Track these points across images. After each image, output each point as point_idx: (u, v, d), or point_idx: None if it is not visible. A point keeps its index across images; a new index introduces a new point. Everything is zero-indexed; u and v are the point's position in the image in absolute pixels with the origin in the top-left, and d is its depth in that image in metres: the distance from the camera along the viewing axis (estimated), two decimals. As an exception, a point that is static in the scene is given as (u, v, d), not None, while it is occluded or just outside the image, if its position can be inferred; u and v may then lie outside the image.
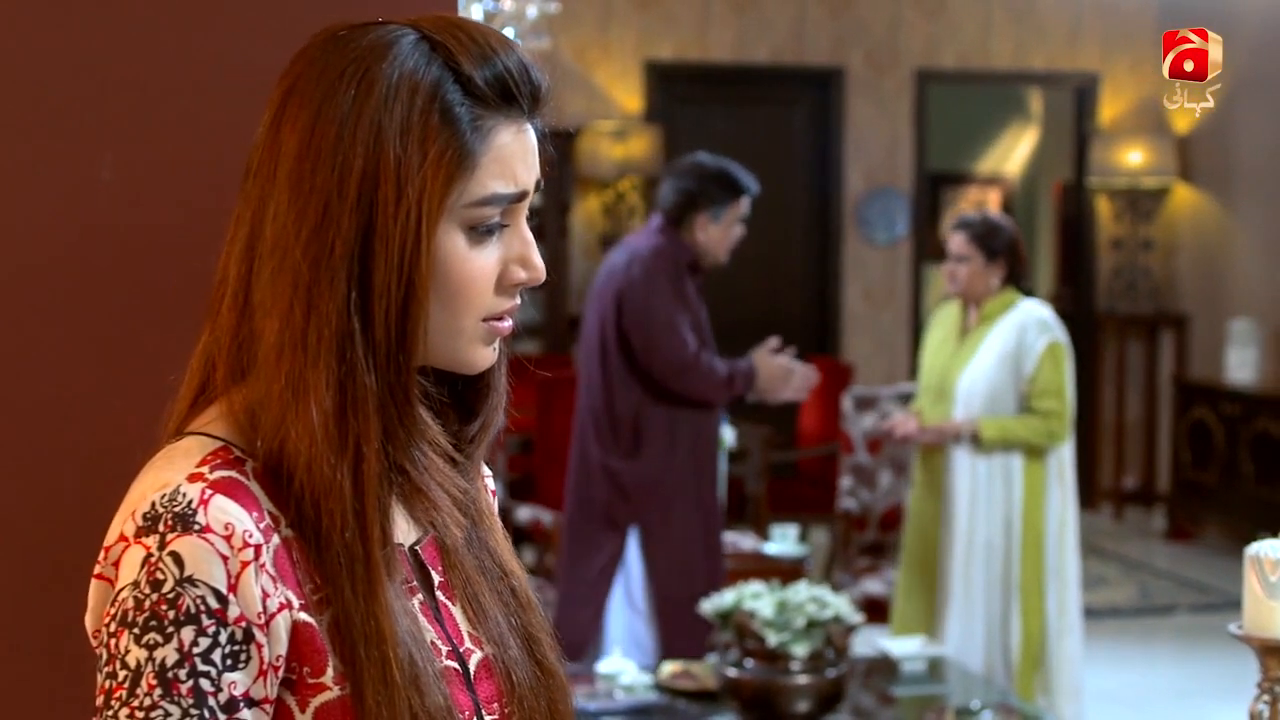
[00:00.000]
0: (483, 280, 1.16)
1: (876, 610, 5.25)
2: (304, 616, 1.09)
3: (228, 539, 1.06)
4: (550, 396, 5.81)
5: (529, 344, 8.07)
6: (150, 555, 1.06)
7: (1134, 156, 9.00)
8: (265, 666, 1.07)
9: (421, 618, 1.17)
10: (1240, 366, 8.30)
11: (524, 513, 5.85)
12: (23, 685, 1.68)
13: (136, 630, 1.05)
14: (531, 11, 5.12)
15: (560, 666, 1.28)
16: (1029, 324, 4.66)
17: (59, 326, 1.69)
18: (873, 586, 5.60)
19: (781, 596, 3.63)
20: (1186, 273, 9.19)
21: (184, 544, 1.06)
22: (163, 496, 1.07)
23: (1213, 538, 8.51)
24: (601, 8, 8.51)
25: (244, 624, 1.06)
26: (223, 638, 1.05)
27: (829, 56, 8.83)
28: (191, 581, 1.05)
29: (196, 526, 1.06)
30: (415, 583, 1.19)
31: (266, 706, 1.08)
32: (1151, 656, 6.53)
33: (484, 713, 1.19)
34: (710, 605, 3.72)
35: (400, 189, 1.11)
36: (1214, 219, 8.97)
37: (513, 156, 1.16)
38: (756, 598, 3.65)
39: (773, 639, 3.55)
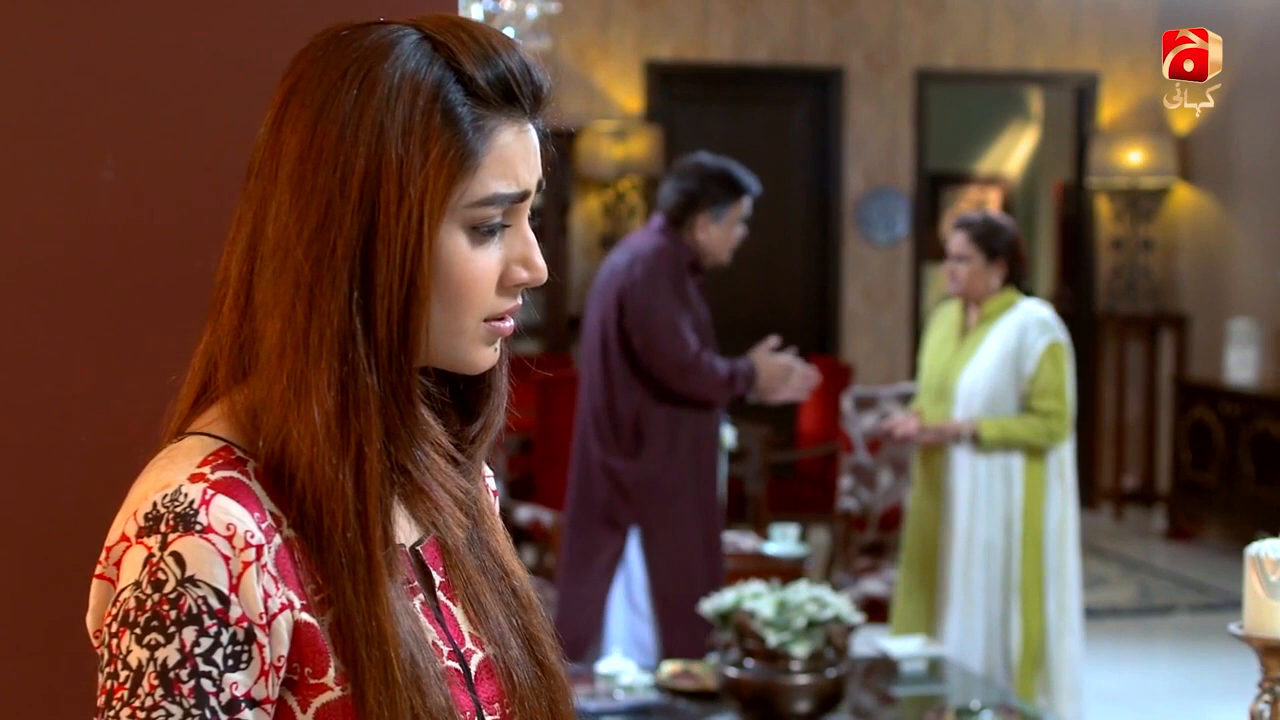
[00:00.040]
0: (484, 280, 1.16)
1: (876, 610, 5.25)
2: (305, 617, 1.09)
3: (229, 539, 1.06)
4: (550, 396, 5.81)
5: (529, 344, 8.07)
6: (152, 555, 1.06)
7: (1134, 156, 9.00)
8: (267, 667, 1.07)
9: (423, 618, 1.17)
10: (1240, 366, 8.30)
11: (524, 513, 5.85)
12: (23, 685, 1.68)
13: (138, 630, 1.05)
14: (531, 11, 5.12)
15: (561, 667, 1.27)
16: (1029, 324, 4.65)
17: (60, 326, 1.68)
18: (873, 586, 5.59)
19: (781, 596, 3.63)
20: (1186, 273, 9.19)
21: (186, 544, 1.06)
22: (164, 497, 1.07)
23: (1213, 538, 8.52)
24: (601, 8, 8.51)
25: (246, 624, 1.06)
26: (224, 638, 1.05)
27: (829, 56, 8.83)
28: (193, 582, 1.05)
29: (198, 527, 1.06)
30: (417, 583, 1.19)
31: (268, 707, 1.08)
32: (1151, 656, 6.53)
33: (485, 713, 1.19)
34: (710, 605, 3.72)
35: (402, 189, 1.11)
36: (1214, 219, 8.97)
37: (514, 156, 1.16)
38: (756, 598, 3.65)
39: (773, 639, 3.55)
